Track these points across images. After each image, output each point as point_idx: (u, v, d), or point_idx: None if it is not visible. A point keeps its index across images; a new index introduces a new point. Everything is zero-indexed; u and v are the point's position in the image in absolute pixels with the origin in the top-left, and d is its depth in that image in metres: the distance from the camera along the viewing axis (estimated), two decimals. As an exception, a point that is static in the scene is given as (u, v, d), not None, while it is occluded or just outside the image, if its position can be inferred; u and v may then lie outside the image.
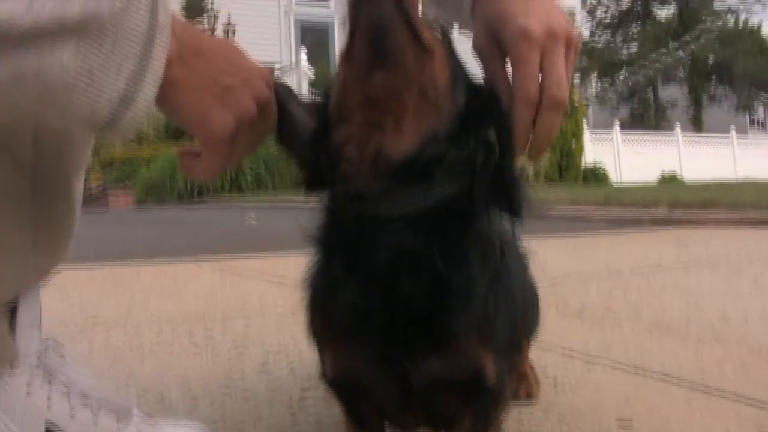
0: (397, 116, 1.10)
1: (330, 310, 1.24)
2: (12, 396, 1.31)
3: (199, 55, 1.08)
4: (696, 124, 45.19)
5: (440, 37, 1.17)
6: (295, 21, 27.30)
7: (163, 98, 1.03)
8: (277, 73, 26.35)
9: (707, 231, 7.43)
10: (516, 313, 1.31)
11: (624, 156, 27.92)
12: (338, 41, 27.94)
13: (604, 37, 53.83)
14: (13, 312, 1.36)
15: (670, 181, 25.77)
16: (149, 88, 0.98)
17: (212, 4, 24.25)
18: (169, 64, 1.00)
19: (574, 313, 3.19)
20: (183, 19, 1.07)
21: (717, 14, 51.67)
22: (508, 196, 1.20)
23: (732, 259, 5.00)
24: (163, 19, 0.98)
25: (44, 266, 1.37)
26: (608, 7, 54.01)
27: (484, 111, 1.18)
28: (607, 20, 53.67)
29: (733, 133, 32.61)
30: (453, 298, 1.16)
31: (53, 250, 1.38)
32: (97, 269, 4.77)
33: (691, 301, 3.49)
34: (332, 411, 1.90)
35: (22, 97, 0.91)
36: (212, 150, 1.13)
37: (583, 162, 23.79)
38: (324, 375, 1.33)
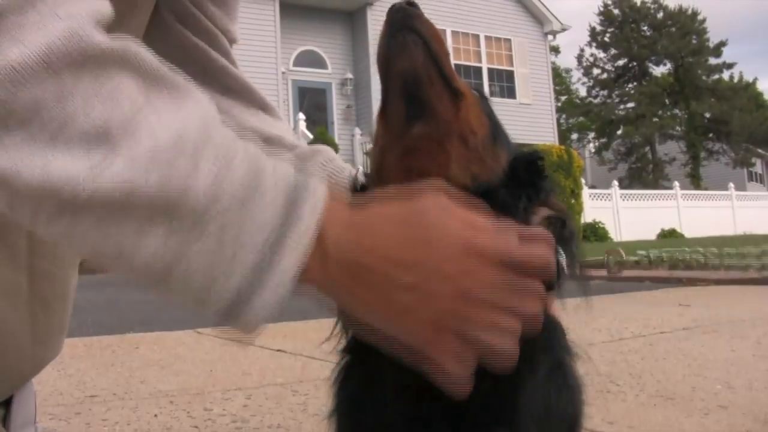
0: (438, 165, 1.04)
1: (359, 424, 1.10)
2: None
3: (363, 267, 0.87)
4: (694, 180, 45.44)
5: (476, 93, 1.13)
6: (293, 84, 27.49)
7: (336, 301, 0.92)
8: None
9: (708, 290, 7.41)
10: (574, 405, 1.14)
11: (623, 213, 27.97)
12: (336, 104, 28.15)
13: (600, 96, 54.38)
14: (7, 403, 1.34)
15: (669, 235, 25.79)
16: (273, 291, 0.83)
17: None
18: (311, 278, 0.85)
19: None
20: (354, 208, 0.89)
21: (712, 71, 52.23)
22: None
23: (735, 321, 4.97)
24: (308, 216, 0.84)
25: (41, 360, 1.37)
26: (604, 68, 54.60)
27: (530, 172, 1.11)
28: (604, 78, 54.22)
29: (732, 189, 32.69)
30: (505, 397, 1.01)
31: (50, 345, 1.37)
32: (96, 342, 4.74)
33: (695, 368, 3.46)
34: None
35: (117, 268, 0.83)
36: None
37: (582, 220, 23.86)
38: None
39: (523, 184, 1.08)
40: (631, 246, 14.17)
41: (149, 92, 0.79)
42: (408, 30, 1.04)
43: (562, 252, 1.07)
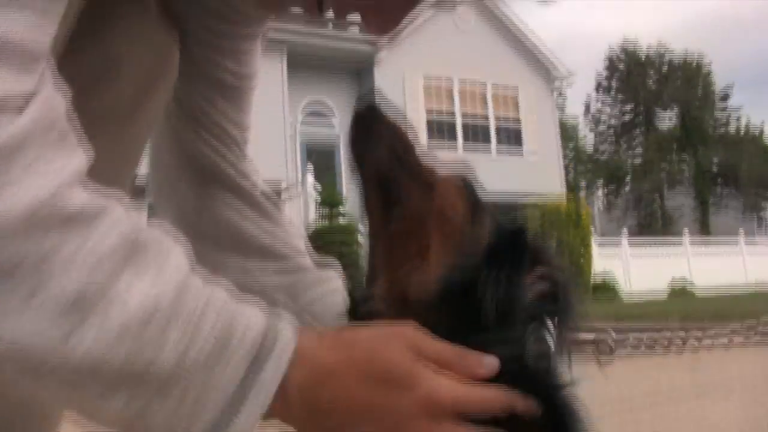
0: (418, 251, 1.09)
1: None
2: None
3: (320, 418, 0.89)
4: (704, 228, 45.42)
5: (456, 180, 1.17)
6: (301, 142, 27.68)
7: None
8: (283, 192, 26.66)
9: (720, 351, 7.33)
10: None
11: (633, 264, 27.89)
12: (344, 161, 28.28)
13: (607, 143, 54.64)
14: None
15: (681, 293, 25.71)
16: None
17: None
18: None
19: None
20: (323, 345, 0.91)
21: (719, 119, 52.53)
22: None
23: (747, 383, 4.91)
24: (272, 372, 0.85)
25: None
26: (610, 117, 54.94)
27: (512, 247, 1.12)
28: (611, 131, 54.57)
29: (742, 238, 32.59)
30: None
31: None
32: None
33: (707, 434, 3.40)
34: None
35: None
36: None
37: (592, 270, 23.83)
38: None
39: (503, 261, 1.09)
40: (639, 308, 14.14)
41: (129, 256, 0.80)
42: (373, 134, 1.13)
43: (554, 325, 1.07)
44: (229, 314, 0.85)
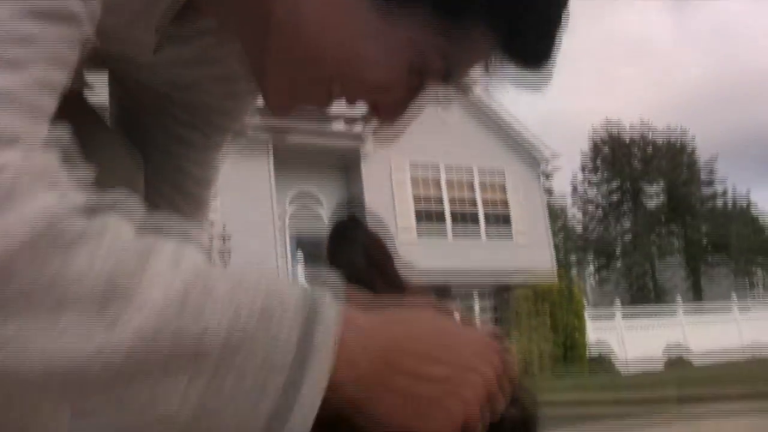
0: None
1: None
2: None
3: (391, 365, 0.88)
4: (696, 296, 45.25)
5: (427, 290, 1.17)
6: (291, 236, 27.67)
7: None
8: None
9: (721, 425, 7.30)
10: None
11: (627, 334, 27.78)
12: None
13: (596, 226, 54.76)
14: None
15: (677, 362, 25.58)
16: (299, 421, 0.81)
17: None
18: (339, 386, 0.84)
19: None
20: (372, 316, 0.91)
21: (705, 195, 52.82)
22: None
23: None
24: (322, 340, 0.83)
25: None
26: (597, 196, 55.13)
27: None
28: (599, 210, 54.67)
29: (735, 303, 32.45)
30: None
31: None
32: None
33: None
34: None
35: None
36: None
37: (587, 343, 23.79)
38: None
39: None
40: (636, 380, 14.13)
41: (147, 247, 0.80)
42: (351, 241, 1.16)
43: None
44: (264, 281, 0.85)
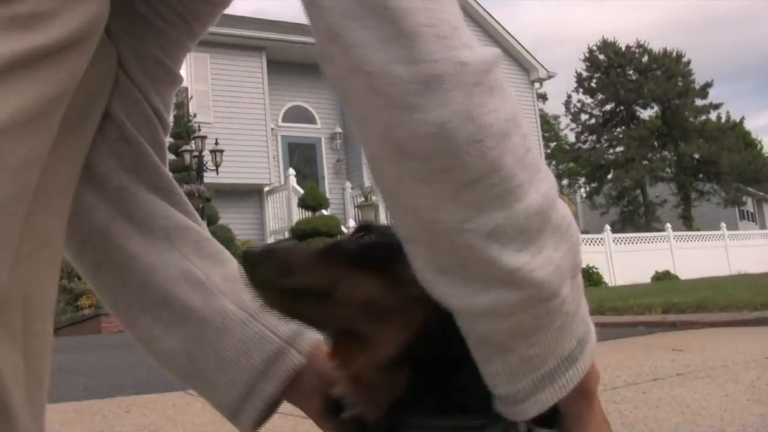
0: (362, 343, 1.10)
1: None
2: None
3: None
4: (686, 221, 45.57)
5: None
6: (283, 140, 27.62)
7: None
8: (266, 194, 26.59)
9: (702, 334, 7.39)
10: None
11: (617, 258, 28.00)
12: (326, 158, 28.33)
13: (589, 141, 54.74)
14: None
15: (663, 277, 25.79)
16: (578, 373, 1.06)
17: (199, 127, 24.49)
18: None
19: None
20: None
21: (699, 112, 52.62)
22: None
23: (729, 365, 4.95)
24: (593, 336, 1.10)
25: None
26: (592, 113, 55.01)
27: None
28: (592, 123, 54.59)
29: (724, 229, 32.76)
30: None
31: (41, 419, 1.37)
32: (86, 407, 4.70)
33: (688, 415, 3.44)
34: None
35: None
36: None
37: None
38: None
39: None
40: (625, 292, 14.20)
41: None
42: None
43: None
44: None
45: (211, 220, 22.62)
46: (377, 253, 1.11)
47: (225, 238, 22.75)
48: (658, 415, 3.50)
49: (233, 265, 1.49)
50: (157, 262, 1.43)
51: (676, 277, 26.07)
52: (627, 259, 27.95)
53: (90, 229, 1.45)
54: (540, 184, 1.00)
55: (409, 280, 1.04)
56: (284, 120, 27.70)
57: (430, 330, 1.07)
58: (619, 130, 53.81)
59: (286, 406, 1.30)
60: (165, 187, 1.50)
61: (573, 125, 55.47)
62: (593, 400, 1.14)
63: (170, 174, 1.54)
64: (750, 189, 50.38)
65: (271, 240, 24.81)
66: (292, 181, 24.78)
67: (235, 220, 24.56)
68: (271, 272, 1.07)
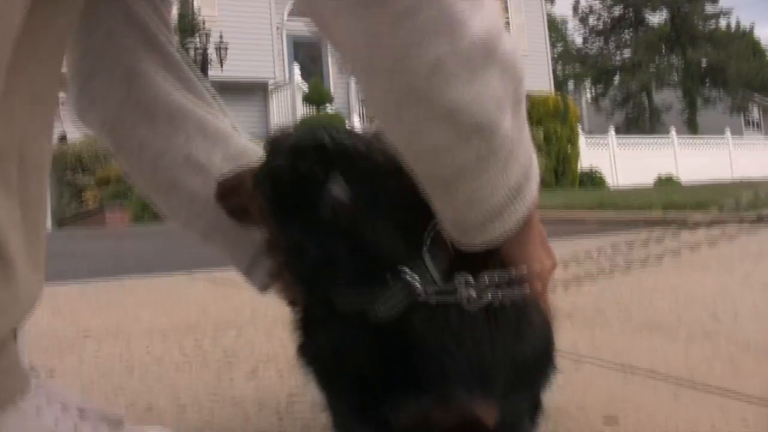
0: None
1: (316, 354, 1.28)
2: (25, 420, 1.34)
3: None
4: (691, 128, 45.31)
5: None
6: (288, 37, 27.34)
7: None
8: (271, 89, 26.42)
9: (701, 231, 7.39)
10: (522, 350, 1.26)
11: (620, 160, 27.94)
12: (331, 55, 28.08)
13: (597, 44, 54.04)
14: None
15: (666, 182, 25.78)
16: (525, 203, 1.13)
17: (204, 23, 24.26)
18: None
19: (563, 314, 3.17)
20: None
21: (709, 18, 51.82)
22: None
23: (724, 258, 5.00)
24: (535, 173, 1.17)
25: (39, 287, 1.40)
26: (600, 15, 54.18)
27: None
28: (600, 27, 53.83)
29: (729, 134, 32.63)
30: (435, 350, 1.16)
31: (42, 274, 1.41)
32: (91, 285, 4.78)
33: (682, 301, 3.50)
34: (319, 416, 1.91)
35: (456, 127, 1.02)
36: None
37: (579, 167, 23.83)
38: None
39: None
40: (628, 194, 14.21)
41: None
42: None
43: None
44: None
45: (213, 115, 22.58)
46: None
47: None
48: (653, 300, 3.57)
49: (235, 140, 1.52)
50: (163, 147, 1.47)
51: (678, 182, 26.07)
52: (630, 163, 27.90)
53: (105, 115, 1.49)
54: (483, 11, 0.99)
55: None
56: (289, 17, 27.39)
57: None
58: (627, 34, 53.19)
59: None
60: (171, 66, 1.52)
61: (581, 28, 54.86)
62: (532, 222, 1.19)
63: (177, 54, 1.56)
64: (756, 97, 49.98)
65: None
66: (297, 76, 24.62)
67: (240, 116, 24.52)
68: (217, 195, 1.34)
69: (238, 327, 3.19)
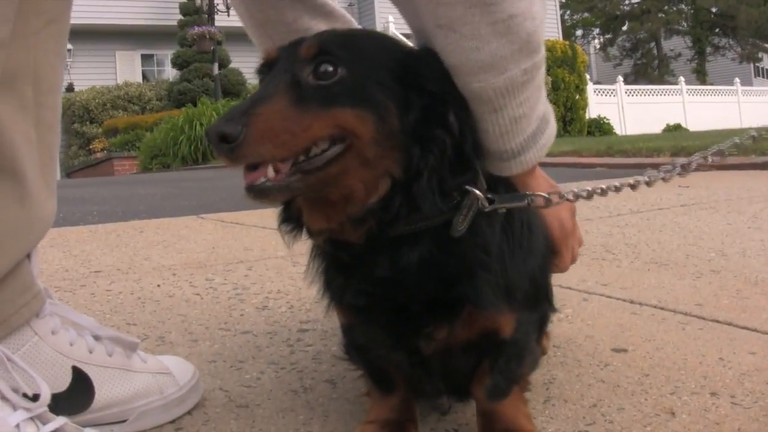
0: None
1: (339, 290, 1.26)
2: (40, 341, 1.36)
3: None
4: (700, 76, 45.00)
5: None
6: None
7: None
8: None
9: (709, 174, 7.42)
10: (534, 266, 1.31)
11: (628, 109, 27.78)
12: (338, 4, 27.80)
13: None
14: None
15: (674, 130, 25.68)
16: (552, 128, 1.29)
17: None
18: None
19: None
20: None
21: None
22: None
23: (733, 199, 5.01)
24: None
25: (53, 208, 1.41)
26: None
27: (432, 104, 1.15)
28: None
29: (738, 83, 32.42)
30: (456, 266, 1.18)
31: (54, 192, 1.42)
32: (100, 227, 4.79)
33: (690, 239, 3.51)
34: (329, 344, 1.93)
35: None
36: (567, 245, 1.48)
37: (587, 115, 23.73)
38: (343, 343, 1.41)
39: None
40: (636, 140, 14.16)
41: None
42: None
43: None
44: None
45: (223, 64, 22.48)
46: None
47: (236, 81, 22.65)
48: (660, 238, 3.57)
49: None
50: None
51: (686, 131, 25.97)
52: (638, 111, 27.74)
53: None
54: None
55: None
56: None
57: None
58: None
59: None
60: None
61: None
62: (535, 167, 1.32)
63: None
64: (766, 45, 49.56)
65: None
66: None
67: (247, 64, 24.38)
68: None
69: (248, 265, 3.21)
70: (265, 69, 1.17)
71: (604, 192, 1.41)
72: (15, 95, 1.24)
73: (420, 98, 1.11)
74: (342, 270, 1.23)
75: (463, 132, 1.12)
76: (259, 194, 1.04)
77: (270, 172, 1.04)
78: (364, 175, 1.09)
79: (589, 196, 1.37)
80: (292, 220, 1.22)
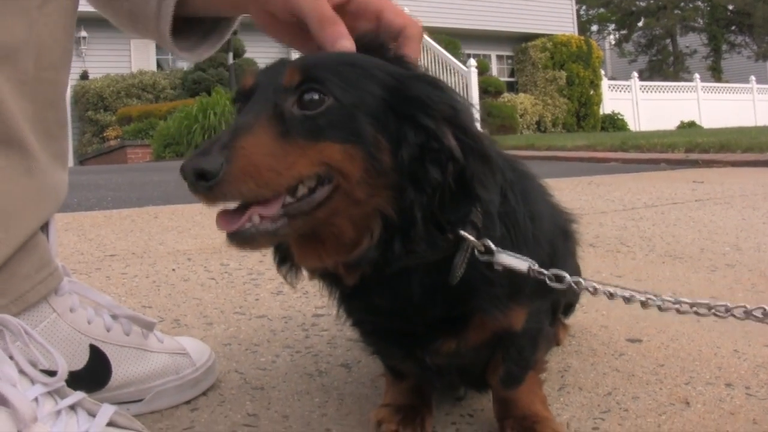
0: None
1: (345, 311, 1.26)
2: (60, 314, 1.37)
3: None
4: (715, 74, 44.80)
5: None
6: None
7: None
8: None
9: (724, 170, 7.41)
10: (543, 256, 1.24)
11: (642, 105, 27.71)
12: None
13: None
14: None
15: (689, 126, 25.61)
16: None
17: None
18: None
19: (587, 243, 3.19)
20: None
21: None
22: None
23: (747, 195, 5.00)
24: None
25: (64, 179, 1.42)
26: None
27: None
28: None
29: (753, 81, 32.27)
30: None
31: (65, 166, 1.42)
32: (115, 213, 4.81)
33: (705, 233, 3.50)
34: (344, 329, 1.94)
35: None
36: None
37: (601, 111, 23.69)
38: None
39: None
40: (651, 135, 14.14)
41: None
42: None
43: None
44: None
45: (237, 53, 22.47)
46: None
47: (251, 71, 22.67)
48: (675, 232, 3.57)
49: None
50: None
51: (701, 128, 25.89)
52: (653, 108, 27.67)
53: None
54: None
55: None
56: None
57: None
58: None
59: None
60: None
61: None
62: None
63: None
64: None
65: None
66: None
67: (261, 54, 24.36)
68: None
69: (263, 251, 3.21)
70: (242, 97, 1.10)
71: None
72: (16, 69, 1.24)
73: (415, 131, 1.04)
74: (344, 298, 1.21)
75: (466, 157, 1.04)
76: (243, 241, 0.97)
77: (255, 218, 0.97)
78: (354, 215, 1.04)
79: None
80: (287, 260, 1.18)
